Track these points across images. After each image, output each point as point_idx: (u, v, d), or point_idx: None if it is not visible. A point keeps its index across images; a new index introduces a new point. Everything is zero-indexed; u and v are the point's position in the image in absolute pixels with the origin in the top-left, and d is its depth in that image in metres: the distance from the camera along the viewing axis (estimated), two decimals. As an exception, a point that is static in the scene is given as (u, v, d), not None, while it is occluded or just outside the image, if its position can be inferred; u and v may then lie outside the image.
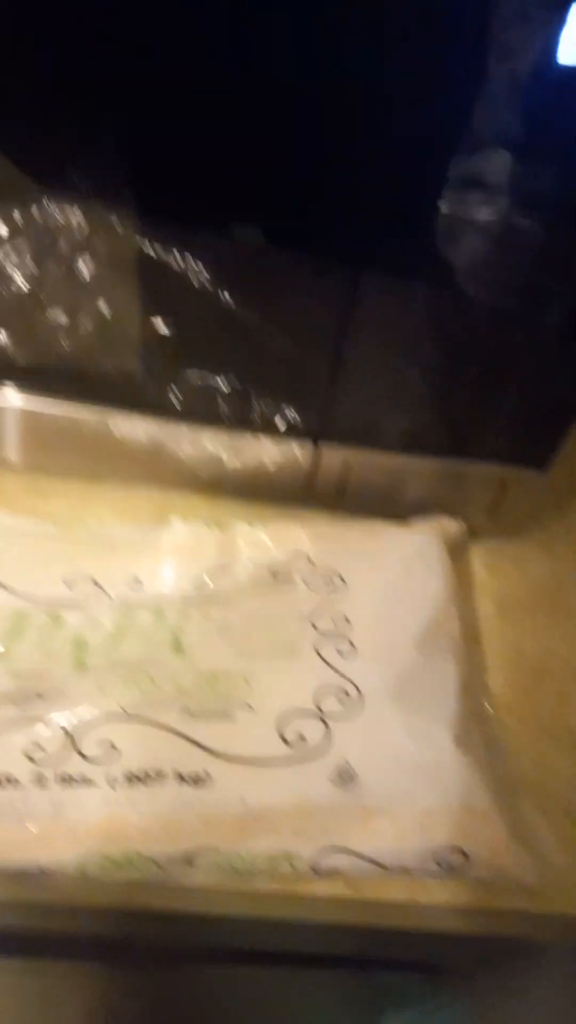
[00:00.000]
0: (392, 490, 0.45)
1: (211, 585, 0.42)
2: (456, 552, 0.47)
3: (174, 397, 0.40)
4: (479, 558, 0.48)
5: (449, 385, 0.39)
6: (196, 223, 0.34)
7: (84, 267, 0.35)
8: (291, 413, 0.41)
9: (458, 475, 0.43)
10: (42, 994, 0.50)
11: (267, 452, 0.42)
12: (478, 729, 0.39)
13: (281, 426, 0.42)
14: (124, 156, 0.31)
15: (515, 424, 0.40)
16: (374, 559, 0.43)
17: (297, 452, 0.43)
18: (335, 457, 0.43)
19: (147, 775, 0.34)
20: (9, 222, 0.34)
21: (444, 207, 0.32)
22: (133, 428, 0.42)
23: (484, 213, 0.32)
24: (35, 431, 0.43)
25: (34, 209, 0.33)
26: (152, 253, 0.35)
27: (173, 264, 0.35)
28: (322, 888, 0.35)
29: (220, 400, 0.40)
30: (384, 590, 0.42)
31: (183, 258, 0.35)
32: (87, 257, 0.35)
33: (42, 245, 0.35)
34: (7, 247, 0.35)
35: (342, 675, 0.38)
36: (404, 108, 0.29)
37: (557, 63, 0.27)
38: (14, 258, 0.35)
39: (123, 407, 0.41)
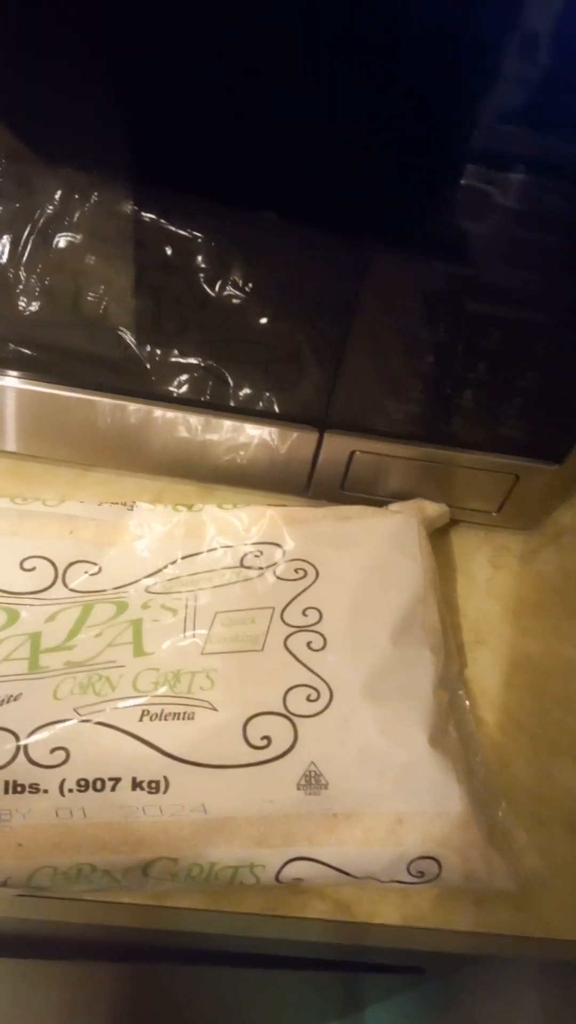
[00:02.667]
0: (399, 481, 0.42)
1: (177, 574, 0.40)
2: (438, 535, 0.44)
3: (171, 381, 0.38)
4: (485, 554, 0.46)
5: (462, 371, 0.36)
6: (199, 197, 0.31)
7: (75, 243, 0.33)
8: (295, 398, 0.38)
9: (469, 467, 0.41)
10: (13, 994, 0.49)
11: (268, 439, 0.40)
12: (454, 725, 0.37)
13: (284, 412, 0.39)
14: (122, 124, 0.29)
15: (532, 414, 0.38)
16: (348, 545, 0.41)
17: (300, 439, 0.40)
18: (340, 445, 0.40)
19: (101, 781, 0.32)
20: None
21: (461, 183, 0.29)
22: (126, 413, 0.40)
23: (503, 189, 0.29)
24: (23, 415, 0.41)
25: (22, 179, 0.31)
26: (150, 229, 0.32)
27: (172, 241, 0.32)
28: (309, 910, 0.34)
29: (219, 384, 0.38)
30: (358, 579, 0.39)
31: (182, 235, 0.32)
32: (79, 233, 0.33)
33: (30, 218, 0.32)
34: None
35: (312, 671, 0.36)
36: (421, 80, 0.27)
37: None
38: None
39: (116, 391, 0.39)
